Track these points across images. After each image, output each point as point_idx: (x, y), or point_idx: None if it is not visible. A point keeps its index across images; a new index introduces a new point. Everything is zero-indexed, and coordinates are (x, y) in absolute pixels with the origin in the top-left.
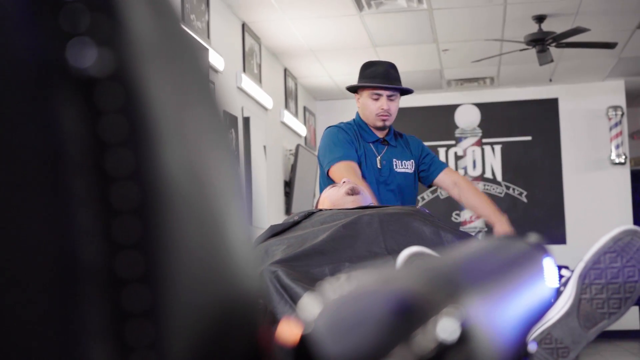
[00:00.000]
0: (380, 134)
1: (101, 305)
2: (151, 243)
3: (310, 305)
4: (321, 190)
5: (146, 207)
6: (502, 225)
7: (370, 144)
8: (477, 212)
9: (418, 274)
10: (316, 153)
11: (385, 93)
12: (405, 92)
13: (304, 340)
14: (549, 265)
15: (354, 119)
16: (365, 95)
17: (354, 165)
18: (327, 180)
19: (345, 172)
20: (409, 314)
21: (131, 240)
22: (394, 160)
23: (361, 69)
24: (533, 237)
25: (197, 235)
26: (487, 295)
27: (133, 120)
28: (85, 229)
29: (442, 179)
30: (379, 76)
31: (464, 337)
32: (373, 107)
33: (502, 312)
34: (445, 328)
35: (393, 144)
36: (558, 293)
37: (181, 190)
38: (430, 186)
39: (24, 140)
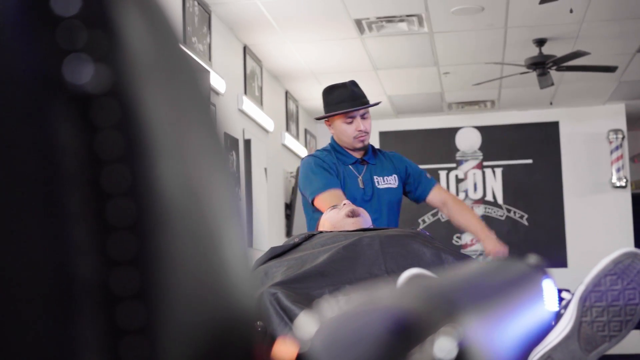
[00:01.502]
0: (358, 155)
1: (96, 321)
2: (146, 259)
3: (307, 324)
4: (307, 218)
5: (142, 223)
6: (490, 241)
7: (350, 166)
8: (466, 229)
9: (416, 293)
10: None
11: (357, 114)
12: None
13: (300, 359)
14: (548, 286)
15: (329, 144)
16: (338, 120)
17: (338, 192)
18: (312, 209)
19: (330, 200)
20: (406, 333)
21: (126, 257)
22: (375, 177)
23: (324, 95)
24: (533, 259)
25: (193, 253)
26: (485, 316)
27: (129, 136)
28: (80, 244)
29: (432, 198)
30: (347, 99)
31: (461, 357)
32: (349, 131)
33: (500, 332)
34: (443, 347)
35: (372, 162)
36: (559, 316)
37: (177, 207)
38: (420, 203)
39: (19, 155)
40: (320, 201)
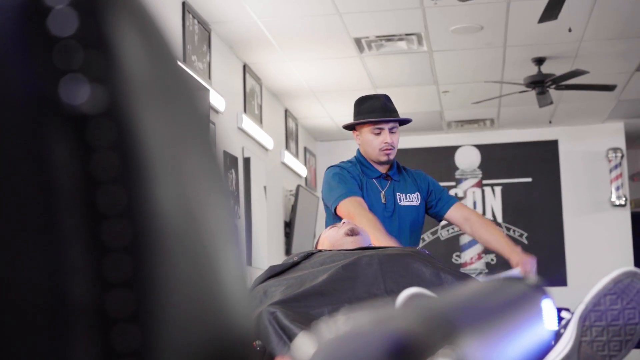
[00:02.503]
0: (382, 169)
1: (91, 343)
2: (142, 281)
3: (305, 345)
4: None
5: (137, 244)
6: (517, 255)
7: (374, 180)
8: (490, 246)
9: (415, 314)
10: (317, 194)
11: (386, 126)
12: (404, 122)
13: None
14: (547, 306)
15: (355, 157)
16: (366, 131)
17: (359, 200)
18: (334, 220)
19: (353, 207)
20: (405, 355)
21: (122, 278)
22: (398, 194)
23: (356, 104)
24: (532, 279)
25: (189, 274)
26: (484, 337)
27: (125, 157)
28: (76, 266)
29: (452, 214)
30: (378, 110)
31: None
32: (376, 142)
33: (499, 353)
34: None
35: (396, 178)
36: (558, 335)
37: (174, 229)
38: (441, 221)
39: (16, 175)
40: (342, 208)
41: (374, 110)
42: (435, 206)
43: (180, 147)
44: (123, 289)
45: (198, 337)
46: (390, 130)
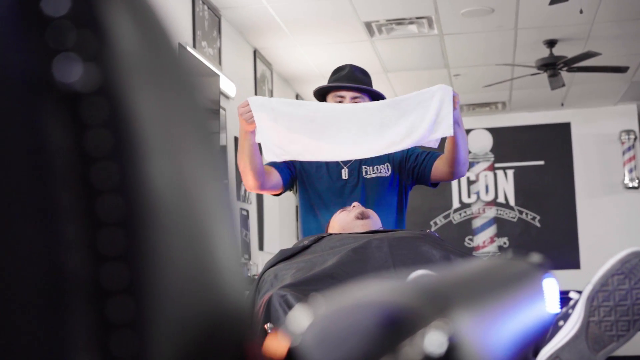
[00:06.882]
0: None
1: (86, 315)
2: (136, 255)
3: (300, 318)
4: (301, 214)
5: (131, 219)
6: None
7: None
8: (449, 147)
9: (409, 288)
10: None
11: (348, 95)
12: (375, 95)
13: (291, 353)
14: (549, 285)
15: None
16: (330, 100)
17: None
18: (303, 202)
19: None
20: (397, 326)
21: (116, 252)
22: (364, 167)
23: (330, 75)
24: (535, 257)
25: (182, 248)
26: (479, 312)
27: (118, 134)
28: (71, 240)
29: (436, 167)
30: (342, 79)
31: (451, 351)
32: None
33: (494, 329)
34: (433, 341)
35: None
36: (566, 316)
37: (167, 203)
38: (435, 185)
39: (11, 154)
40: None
41: (339, 79)
42: (418, 166)
43: (175, 128)
44: (117, 262)
45: (192, 310)
46: (353, 100)
